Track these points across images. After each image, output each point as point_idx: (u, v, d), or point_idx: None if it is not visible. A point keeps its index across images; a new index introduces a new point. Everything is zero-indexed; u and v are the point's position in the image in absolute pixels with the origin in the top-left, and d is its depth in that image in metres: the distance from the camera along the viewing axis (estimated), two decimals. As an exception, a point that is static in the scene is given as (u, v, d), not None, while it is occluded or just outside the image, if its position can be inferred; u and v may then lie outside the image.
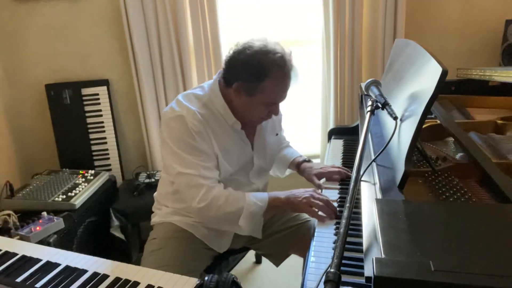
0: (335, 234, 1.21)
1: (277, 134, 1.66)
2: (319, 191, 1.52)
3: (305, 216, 1.64)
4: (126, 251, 2.23)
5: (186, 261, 1.41)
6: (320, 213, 1.31)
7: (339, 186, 1.54)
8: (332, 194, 1.48)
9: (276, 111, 1.44)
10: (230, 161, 1.44)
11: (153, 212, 1.61)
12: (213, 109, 1.41)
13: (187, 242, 1.47)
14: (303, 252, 1.53)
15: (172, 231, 1.49)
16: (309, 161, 1.72)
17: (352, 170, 0.91)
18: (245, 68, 1.32)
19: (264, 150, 1.56)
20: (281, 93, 1.38)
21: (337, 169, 1.59)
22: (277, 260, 1.66)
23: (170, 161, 1.38)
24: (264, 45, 1.33)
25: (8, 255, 1.15)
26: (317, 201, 1.32)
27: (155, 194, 1.62)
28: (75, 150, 2.43)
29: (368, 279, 0.71)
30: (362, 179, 1.08)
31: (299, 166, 1.70)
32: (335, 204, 1.36)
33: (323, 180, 1.58)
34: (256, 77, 1.32)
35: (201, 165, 1.34)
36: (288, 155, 1.75)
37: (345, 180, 1.57)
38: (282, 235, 1.60)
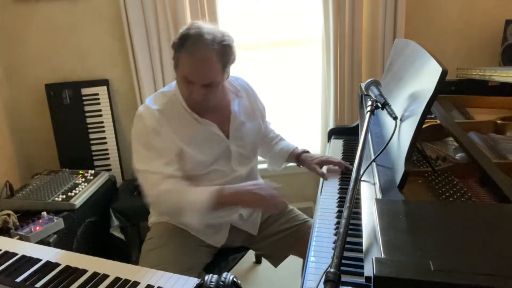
0: (335, 234, 1.21)
1: (257, 122, 1.61)
2: (320, 180, 1.55)
3: (304, 216, 1.65)
4: (126, 251, 2.23)
5: (184, 259, 1.42)
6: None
7: (339, 180, 1.56)
8: (332, 189, 1.51)
9: (195, 93, 1.34)
10: (203, 152, 1.42)
11: (150, 213, 1.62)
12: (177, 103, 1.42)
13: (184, 240, 1.48)
14: (302, 253, 1.52)
15: (168, 230, 1.50)
16: (307, 151, 1.72)
17: (352, 170, 0.91)
18: (176, 38, 1.34)
19: (242, 137, 1.52)
20: (192, 69, 1.31)
21: (337, 160, 1.62)
22: (276, 261, 1.66)
23: (133, 157, 1.41)
24: (196, 22, 1.35)
25: (8, 255, 1.15)
26: (264, 192, 1.32)
27: None
28: (75, 150, 2.43)
29: (368, 279, 0.71)
30: (362, 179, 1.08)
31: (299, 157, 1.70)
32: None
33: (325, 168, 1.59)
34: (177, 47, 1.32)
35: (157, 162, 1.36)
36: (285, 148, 1.74)
37: (346, 176, 1.58)
38: (280, 236, 1.60)
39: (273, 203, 1.33)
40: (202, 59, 1.30)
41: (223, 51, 1.32)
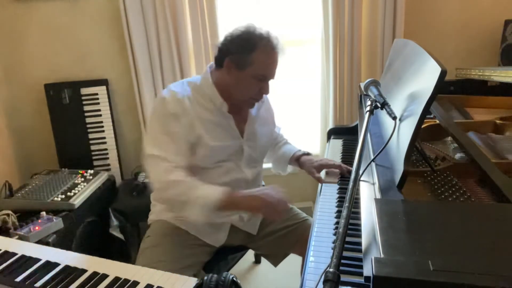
0: (334, 234, 1.21)
1: (270, 127, 1.68)
2: (319, 185, 1.56)
3: (303, 215, 1.65)
4: (125, 251, 2.23)
5: (181, 257, 1.42)
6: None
7: (338, 181, 1.56)
8: (331, 189, 1.51)
9: (266, 89, 1.45)
10: (218, 146, 1.44)
11: (150, 211, 1.62)
12: (203, 93, 1.45)
13: (182, 239, 1.48)
14: (302, 251, 1.53)
15: (166, 229, 1.50)
16: (308, 154, 1.73)
17: (351, 170, 0.91)
18: (235, 42, 1.38)
19: (255, 140, 1.56)
20: (271, 65, 1.41)
21: (337, 163, 1.62)
22: (276, 260, 1.66)
23: (145, 142, 1.42)
24: (251, 23, 1.41)
25: (7, 254, 1.15)
26: (273, 199, 1.32)
27: (151, 192, 1.62)
28: (74, 150, 2.43)
29: (367, 278, 0.71)
30: (361, 179, 1.08)
31: (298, 160, 1.71)
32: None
33: (323, 172, 1.60)
34: (246, 48, 1.37)
35: (170, 148, 1.36)
36: (287, 152, 1.75)
37: (345, 176, 1.58)
38: (280, 234, 1.60)
39: (278, 211, 1.33)
40: (276, 58, 1.42)
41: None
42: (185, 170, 1.37)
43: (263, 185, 1.96)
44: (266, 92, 1.46)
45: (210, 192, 1.31)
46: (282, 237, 1.60)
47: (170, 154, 1.36)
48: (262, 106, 1.61)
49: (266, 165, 1.94)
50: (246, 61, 1.37)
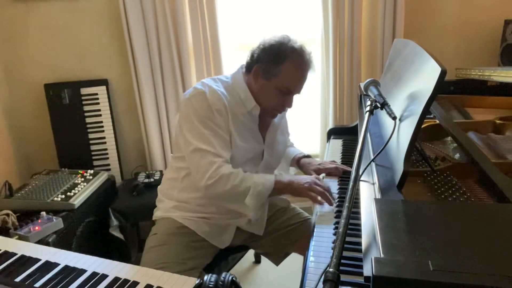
0: (334, 234, 1.21)
1: (285, 135, 1.72)
2: (321, 177, 1.55)
3: (305, 214, 1.66)
4: (125, 251, 2.23)
5: (187, 259, 1.42)
6: (319, 198, 1.35)
7: (337, 182, 1.56)
8: (332, 188, 1.50)
9: (290, 102, 1.46)
10: (243, 147, 1.46)
11: (155, 207, 1.62)
12: (235, 94, 1.46)
13: (188, 239, 1.47)
14: (303, 250, 1.53)
15: (173, 228, 1.49)
16: (308, 156, 1.74)
17: (351, 170, 0.91)
18: (266, 51, 1.40)
19: (273, 147, 1.59)
20: (298, 80, 1.43)
21: (334, 166, 1.62)
22: (277, 259, 1.67)
23: (188, 135, 1.40)
24: (287, 35, 1.42)
25: (7, 254, 1.15)
26: (318, 187, 1.37)
27: (159, 187, 1.63)
28: (74, 150, 2.43)
29: (367, 278, 0.71)
30: (361, 179, 1.08)
31: (299, 162, 1.73)
32: (336, 196, 1.41)
33: (322, 175, 1.60)
34: (276, 59, 1.38)
35: (216, 142, 1.37)
36: (290, 154, 1.78)
37: (344, 177, 1.58)
38: (281, 233, 1.61)
39: (325, 201, 1.36)
40: (306, 74, 1.43)
41: None
42: (229, 164, 1.40)
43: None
44: (289, 105, 1.48)
45: (264, 181, 1.38)
46: (283, 235, 1.60)
47: (218, 148, 1.37)
48: (284, 116, 1.65)
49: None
50: (273, 71, 1.39)
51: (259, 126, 1.52)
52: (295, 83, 1.43)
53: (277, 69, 1.38)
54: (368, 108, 1.11)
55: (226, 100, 1.41)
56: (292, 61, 1.38)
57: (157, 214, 1.58)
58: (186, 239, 1.47)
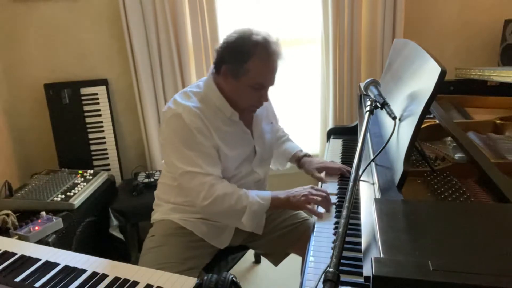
0: (334, 234, 1.21)
1: (271, 123, 1.66)
2: (319, 184, 1.55)
3: (304, 214, 1.65)
4: (125, 251, 2.23)
5: (185, 259, 1.41)
6: (319, 209, 1.34)
7: (338, 181, 1.56)
8: (331, 188, 1.51)
9: (265, 97, 1.42)
10: (235, 153, 1.45)
11: (153, 210, 1.61)
12: (211, 103, 1.42)
13: (186, 240, 1.47)
14: (302, 251, 1.52)
15: (171, 229, 1.49)
16: (309, 156, 1.73)
17: (351, 170, 0.91)
18: (230, 49, 1.35)
19: (263, 137, 1.57)
20: (268, 74, 1.37)
21: (337, 166, 1.62)
22: (276, 260, 1.66)
23: (173, 159, 1.38)
24: (249, 29, 1.36)
25: (7, 254, 1.15)
26: (315, 196, 1.35)
27: (155, 191, 1.62)
28: (74, 150, 2.43)
29: (367, 278, 0.71)
30: (361, 179, 1.08)
31: (299, 161, 1.72)
32: (333, 198, 1.40)
33: (323, 173, 1.60)
34: (241, 57, 1.33)
35: (203, 161, 1.35)
36: (289, 149, 1.77)
37: (345, 176, 1.58)
38: (280, 233, 1.60)
39: (324, 209, 1.35)
40: (275, 65, 1.37)
41: None
42: (226, 181, 1.39)
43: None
44: (265, 99, 1.43)
45: (259, 199, 1.37)
46: (282, 236, 1.60)
47: (206, 167, 1.35)
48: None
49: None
50: (241, 70, 1.34)
51: (244, 123, 1.49)
52: (266, 77, 1.38)
53: (244, 67, 1.33)
54: (368, 108, 1.11)
55: (203, 115, 1.37)
56: (258, 56, 1.32)
57: (155, 216, 1.58)
58: (184, 240, 1.47)
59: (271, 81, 1.40)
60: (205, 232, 1.50)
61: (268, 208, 1.39)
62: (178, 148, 1.36)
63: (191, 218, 1.49)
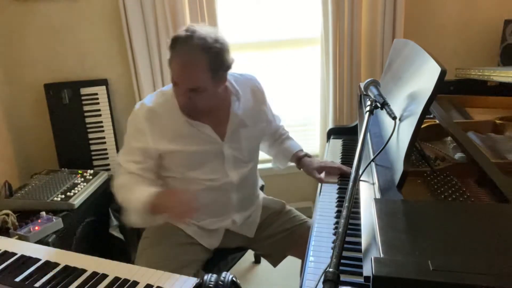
0: (334, 234, 1.21)
1: (263, 125, 1.61)
2: (319, 185, 1.54)
3: (302, 217, 1.65)
4: (125, 251, 2.23)
5: (179, 255, 1.42)
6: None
7: (338, 181, 1.56)
8: (331, 188, 1.51)
9: (181, 96, 1.33)
10: (191, 147, 1.41)
11: None
12: (174, 103, 1.40)
13: (178, 238, 1.48)
14: (301, 254, 1.52)
15: (163, 229, 1.50)
16: (309, 156, 1.72)
17: (351, 170, 0.92)
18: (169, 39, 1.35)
19: (239, 141, 1.49)
20: (178, 72, 1.30)
21: (337, 166, 1.61)
22: (275, 261, 1.66)
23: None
24: (195, 24, 1.33)
25: (7, 254, 1.15)
26: (179, 214, 1.30)
27: None
28: (74, 150, 2.43)
29: (366, 278, 0.71)
30: (361, 179, 1.08)
31: (299, 160, 1.70)
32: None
33: (323, 174, 1.60)
34: (169, 48, 1.32)
35: (126, 155, 1.42)
36: (289, 148, 1.74)
37: (345, 176, 1.58)
38: (279, 237, 1.60)
39: (179, 213, 1.28)
40: (188, 63, 1.28)
41: (212, 57, 1.28)
42: (134, 176, 1.38)
43: (263, 185, 1.96)
44: (181, 99, 1.35)
45: (140, 195, 1.31)
46: (280, 239, 1.59)
47: (125, 160, 1.41)
48: (247, 102, 1.51)
49: (263, 165, 1.94)
50: (169, 61, 1.33)
51: (215, 124, 1.43)
52: (176, 73, 1.31)
53: (170, 59, 1.32)
54: (368, 108, 1.11)
55: (153, 114, 1.38)
56: (176, 51, 1.29)
57: None
58: (176, 238, 1.48)
59: (181, 81, 1.31)
60: (196, 231, 1.51)
61: (148, 208, 1.29)
62: (124, 137, 1.46)
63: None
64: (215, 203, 1.50)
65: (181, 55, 1.28)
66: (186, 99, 1.33)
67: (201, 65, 1.28)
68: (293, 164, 1.78)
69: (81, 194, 2.00)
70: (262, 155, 1.80)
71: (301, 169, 1.71)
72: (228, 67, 1.35)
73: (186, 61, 1.28)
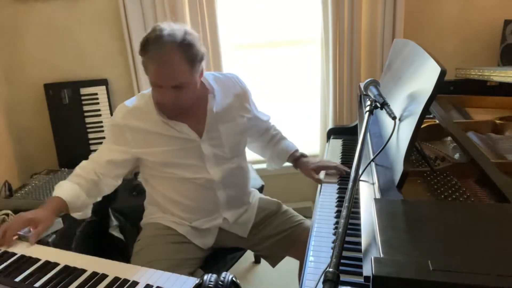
0: (334, 234, 1.21)
1: (249, 121, 1.59)
2: (318, 185, 1.55)
3: (299, 217, 1.63)
4: (125, 251, 2.22)
5: (173, 254, 1.42)
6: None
7: (337, 181, 1.56)
8: (331, 188, 1.50)
9: (167, 96, 1.31)
10: (168, 145, 1.42)
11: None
12: (152, 104, 1.41)
13: (171, 238, 1.48)
14: (298, 255, 1.53)
15: (156, 230, 1.51)
16: (305, 156, 1.72)
17: (350, 170, 0.91)
18: (140, 45, 1.34)
19: (219, 137, 1.47)
20: (158, 73, 1.29)
21: (333, 164, 1.61)
22: (273, 262, 1.65)
23: None
24: (157, 24, 1.34)
25: (7, 254, 1.15)
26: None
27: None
28: (74, 150, 2.43)
29: (366, 278, 0.71)
30: (360, 179, 1.08)
31: (296, 161, 1.70)
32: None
33: (322, 174, 1.59)
34: (141, 53, 1.32)
35: (98, 153, 1.51)
36: (285, 149, 1.73)
37: (344, 176, 1.58)
38: (275, 239, 1.58)
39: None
40: (166, 62, 1.27)
41: (187, 50, 1.28)
42: (78, 177, 1.48)
43: (263, 185, 1.96)
44: (168, 99, 1.32)
45: (57, 191, 1.45)
46: (277, 241, 1.58)
47: (93, 156, 1.51)
48: (226, 99, 1.50)
49: (263, 165, 1.93)
50: (145, 66, 1.33)
51: (192, 121, 1.42)
52: (157, 75, 1.29)
53: (145, 63, 1.31)
54: (368, 108, 1.11)
55: (130, 115, 1.41)
56: (150, 54, 1.28)
57: (143, 221, 1.62)
58: (169, 238, 1.48)
59: (163, 81, 1.30)
60: (189, 231, 1.51)
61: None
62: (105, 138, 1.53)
63: (174, 219, 1.51)
64: (202, 201, 1.51)
65: (157, 55, 1.27)
66: (172, 98, 1.32)
67: (178, 60, 1.27)
68: (289, 164, 1.77)
69: (81, 194, 1.99)
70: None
71: (297, 169, 1.71)
72: (202, 57, 1.35)
73: (164, 60, 1.27)
